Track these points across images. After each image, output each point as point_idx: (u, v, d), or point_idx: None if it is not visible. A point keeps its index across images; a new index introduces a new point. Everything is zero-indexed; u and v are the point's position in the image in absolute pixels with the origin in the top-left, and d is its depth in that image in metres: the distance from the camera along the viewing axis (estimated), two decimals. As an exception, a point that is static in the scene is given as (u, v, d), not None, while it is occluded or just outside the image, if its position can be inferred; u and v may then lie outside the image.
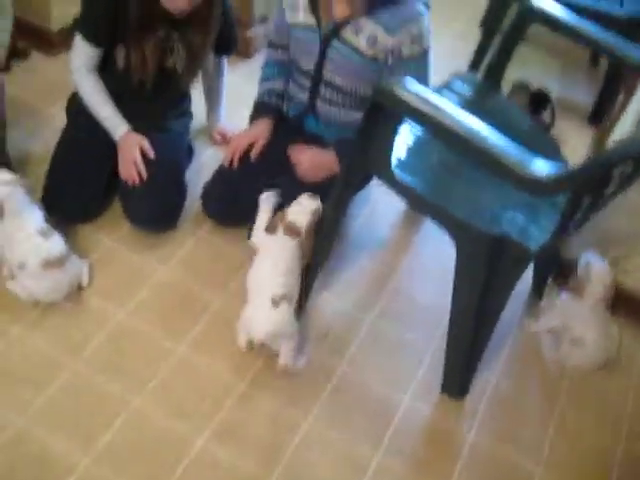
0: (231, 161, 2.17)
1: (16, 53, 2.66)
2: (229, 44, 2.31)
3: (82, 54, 2.11)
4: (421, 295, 2.20)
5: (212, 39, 2.12)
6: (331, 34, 1.96)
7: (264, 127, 2.19)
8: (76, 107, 2.22)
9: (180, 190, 2.22)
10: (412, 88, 1.53)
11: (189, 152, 2.40)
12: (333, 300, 2.12)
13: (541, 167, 1.40)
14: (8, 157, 2.17)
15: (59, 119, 2.36)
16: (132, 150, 2.10)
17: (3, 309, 1.92)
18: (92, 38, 2.07)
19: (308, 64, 2.06)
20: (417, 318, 2.14)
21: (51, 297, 1.93)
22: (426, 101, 1.51)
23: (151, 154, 2.12)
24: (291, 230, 1.95)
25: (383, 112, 1.60)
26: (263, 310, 1.84)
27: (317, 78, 2.06)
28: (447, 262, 1.78)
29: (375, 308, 2.13)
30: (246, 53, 2.91)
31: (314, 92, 2.10)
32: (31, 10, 2.62)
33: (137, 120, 2.17)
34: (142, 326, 1.95)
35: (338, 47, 1.97)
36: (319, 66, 2.03)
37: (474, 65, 3.02)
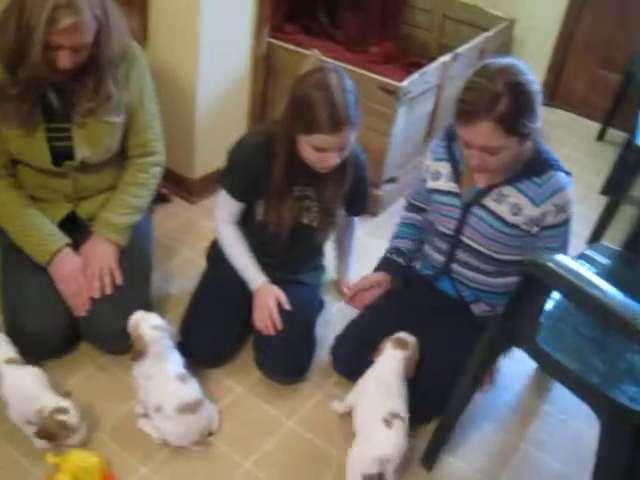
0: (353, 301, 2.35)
1: (160, 198, 2.83)
2: (362, 205, 2.39)
3: (226, 207, 2.23)
4: (549, 467, 2.10)
5: (343, 195, 2.19)
6: (473, 201, 2.02)
7: (384, 277, 2.30)
8: (216, 254, 2.33)
9: (311, 343, 2.25)
10: (567, 264, 1.54)
11: (320, 305, 2.45)
12: (459, 465, 2.06)
13: None
14: (150, 300, 2.27)
15: (196, 263, 2.48)
16: (268, 301, 2.17)
17: (134, 447, 1.96)
18: (235, 194, 2.19)
19: (447, 228, 2.11)
20: (545, 492, 2.05)
21: (182, 440, 1.96)
22: (580, 277, 1.52)
23: (287, 306, 2.18)
24: (400, 343, 2.06)
25: (534, 285, 1.61)
26: (382, 433, 1.88)
27: (455, 242, 2.10)
28: (577, 432, 1.72)
29: (501, 477, 2.06)
30: (374, 211, 3.01)
31: (451, 255, 2.13)
32: (176, 160, 2.80)
33: (273, 272, 2.25)
34: (266, 478, 1.94)
35: (479, 213, 2.02)
36: (458, 230, 2.08)
37: (598, 231, 3.03)
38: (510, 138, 1.81)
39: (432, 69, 3.04)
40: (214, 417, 2.03)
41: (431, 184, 2.13)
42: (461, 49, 3.26)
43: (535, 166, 1.93)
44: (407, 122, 2.97)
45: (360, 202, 2.35)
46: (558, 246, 1.99)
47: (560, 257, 1.56)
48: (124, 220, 2.18)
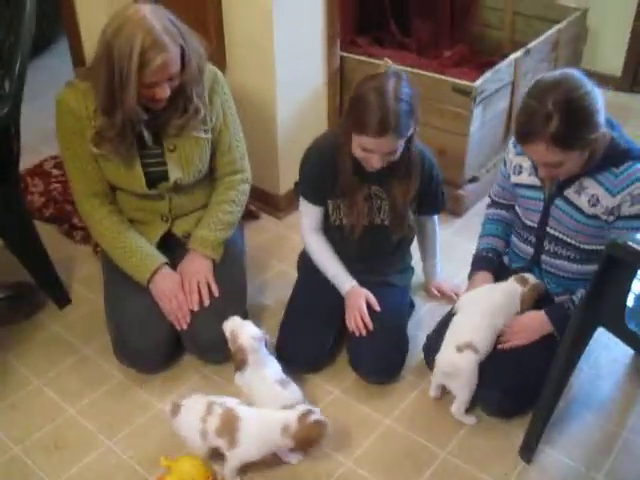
0: None
1: (249, 215, 2.95)
2: (436, 203, 2.40)
3: (307, 214, 2.33)
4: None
5: (412, 192, 2.23)
6: (555, 193, 2.04)
7: (485, 279, 2.28)
8: (305, 263, 2.42)
9: (403, 343, 2.30)
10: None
11: (410, 306, 2.50)
12: (558, 456, 2.06)
13: None
14: (246, 310, 2.37)
15: (289, 274, 2.57)
16: (358, 302, 2.24)
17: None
18: (309, 196, 2.29)
19: (532, 220, 2.14)
20: (649, 481, 2.02)
21: (286, 443, 2.04)
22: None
23: (377, 307, 2.24)
24: (522, 280, 2.18)
25: (616, 266, 1.62)
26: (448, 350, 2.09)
27: (541, 233, 2.13)
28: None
29: (602, 468, 2.03)
30: (458, 211, 3.04)
31: (538, 247, 2.16)
32: (262, 178, 2.91)
33: (362, 275, 2.32)
34: (367, 475, 2.00)
35: (561, 205, 2.04)
36: (543, 223, 2.10)
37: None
38: (569, 153, 1.84)
39: (504, 66, 3.06)
40: (315, 419, 2.11)
41: (514, 178, 2.17)
42: (532, 44, 3.26)
43: (614, 157, 1.94)
44: (484, 121, 3.00)
45: (434, 200, 2.37)
46: None
47: (637, 235, 1.57)
48: (218, 236, 2.29)
